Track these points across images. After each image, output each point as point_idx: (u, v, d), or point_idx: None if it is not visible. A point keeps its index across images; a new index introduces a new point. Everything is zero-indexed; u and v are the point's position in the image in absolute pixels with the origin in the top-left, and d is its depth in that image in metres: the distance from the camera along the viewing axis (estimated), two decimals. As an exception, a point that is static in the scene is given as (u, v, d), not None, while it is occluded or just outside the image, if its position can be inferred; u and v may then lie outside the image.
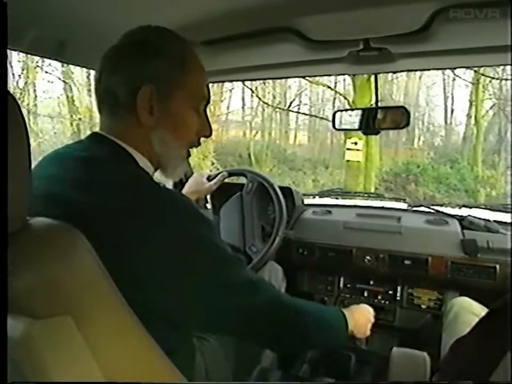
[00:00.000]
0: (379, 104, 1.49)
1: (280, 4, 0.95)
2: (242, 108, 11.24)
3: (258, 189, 1.64)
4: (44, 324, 0.51)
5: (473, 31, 1.01)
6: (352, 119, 1.46)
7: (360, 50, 1.16)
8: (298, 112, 10.95)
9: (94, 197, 0.70)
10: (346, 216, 1.86)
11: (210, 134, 0.90)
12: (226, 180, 1.67)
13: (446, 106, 10.27)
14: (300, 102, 10.89)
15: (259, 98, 9.87)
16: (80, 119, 8.51)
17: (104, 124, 0.83)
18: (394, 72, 1.61)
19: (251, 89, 9.51)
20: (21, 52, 1.04)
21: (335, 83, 9.31)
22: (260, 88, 9.70)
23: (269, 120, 11.00)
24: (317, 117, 10.61)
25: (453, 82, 9.99)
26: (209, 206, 1.86)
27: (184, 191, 1.58)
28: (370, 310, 1.25)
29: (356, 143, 6.53)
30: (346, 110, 1.53)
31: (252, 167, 9.55)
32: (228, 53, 1.23)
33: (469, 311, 1.34)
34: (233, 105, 11.26)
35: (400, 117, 1.39)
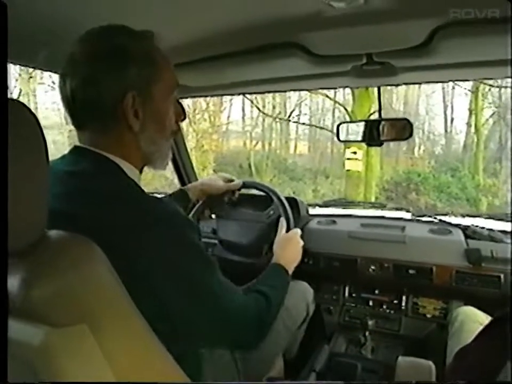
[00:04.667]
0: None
1: (286, 20, 0.98)
2: (243, 118, 11.27)
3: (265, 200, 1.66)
4: (62, 332, 0.53)
5: (473, 45, 1.04)
6: (356, 130, 1.48)
7: (363, 64, 1.20)
8: (298, 123, 10.97)
9: (84, 209, 0.73)
10: (351, 226, 1.87)
11: (185, 117, 0.94)
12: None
13: (445, 115, 10.28)
14: (300, 112, 10.90)
15: (258, 109, 9.91)
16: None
17: (85, 136, 0.83)
18: (396, 85, 1.64)
19: (251, 100, 9.54)
20: (33, 68, 1.07)
21: (335, 93, 9.33)
22: (259, 98, 9.73)
23: (269, 130, 11.01)
24: (317, 126, 10.62)
25: (452, 91, 10.00)
26: (213, 216, 1.87)
27: (192, 184, 1.54)
28: (295, 236, 1.37)
29: (355, 153, 6.54)
30: (350, 122, 1.57)
31: (252, 177, 9.56)
32: (234, 67, 1.26)
33: (473, 320, 1.35)
34: (233, 115, 11.30)
35: (403, 128, 1.41)
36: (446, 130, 10.26)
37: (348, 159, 6.79)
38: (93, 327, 0.55)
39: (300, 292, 1.54)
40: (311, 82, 1.44)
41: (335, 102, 9.27)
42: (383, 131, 1.44)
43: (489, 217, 1.84)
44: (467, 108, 9.11)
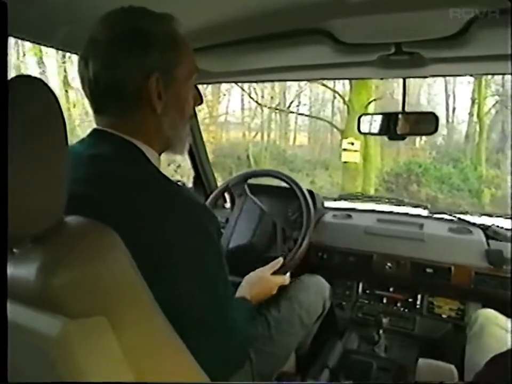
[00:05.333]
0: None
1: (313, 6, 0.93)
2: (242, 108, 11.16)
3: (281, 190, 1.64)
4: (80, 323, 0.51)
5: (509, 37, 0.98)
6: (377, 123, 1.43)
7: (390, 54, 1.14)
8: (297, 113, 10.86)
9: (107, 193, 0.72)
10: (367, 221, 1.84)
11: (202, 102, 0.95)
12: (250, 181, 1.70)
13: (447, 104, 10.13)
14: (299, 102, 10.80)
15: (256, 102, 9.83)
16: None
17: (105, 120, 0.82)
18: (423, 77, 1.61)
19: (248, 94, 9.45)
20: (51, 47, 1.09)
21: (334, 82, 9.20)
22: (258, 88, 9.64)
23: (268, 121, 10.92)
24: (315, 117, 10.51)
25: (454, 80, 9.86)
26: (228, 205, 1.84)
27: None
28: (274, 284, 1.30)
29: (352, 144, 6.48)
30: (372, 114, 1.50)
31: (250, 168, 9.50)
32: (257, 53, 1.22)
33: (494, 324, 1.32)
34: (232, 106, 11.15)
35: (426, 122, 1.36)
36: (447, 120, 10.15)
37: (345, 150, 6.72)
38: (112, 320, 0.54)
39: (317, 288, 1.53)
40: (335, 71, 1.41)
41: (334, 91, 9.14)
42: (404, 125, 1.39)
43: (507, 217, 1.80)
44: (469, 97, 9.07)
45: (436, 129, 1.34)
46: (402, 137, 1.41)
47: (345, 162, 7.38)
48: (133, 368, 0.55)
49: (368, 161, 7.40)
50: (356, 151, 6.63)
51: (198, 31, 1.03)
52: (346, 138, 6.70)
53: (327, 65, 1.31)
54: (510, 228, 1.65)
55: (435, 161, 9.03)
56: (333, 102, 10.52)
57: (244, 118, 11.12)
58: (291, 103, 10.53)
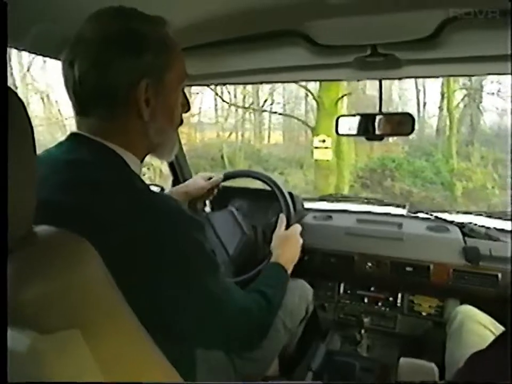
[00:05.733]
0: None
1: (288, 7, 0.92)
2: (215, 108, 11.06)
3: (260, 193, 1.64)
4: (52, 338, 0.48)
5: (483, 39, 1.00)
6: (354, 124, 1.43)
7: (367, 56, 1.14)
8: (271, 112, 10.83)
9: (85, 201, 0.69)
10: (347, 222, 1.85)
11: (189, 108, 0.92)
12: (228, 184, 1.65)
13: (418, 100, 10.32)
14: (273, 101, 10.79)
15: (227, 102, 9.77)
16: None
17: (86, 123, 0.78)
18: (399, 79, 1.63)
19: (221, 96, 9.42)
20: (21, 50, 0.99)
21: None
22: (231, 87, 9.55)
23: (242, 121, 10.86)
24: (287, 115, 10.50)
25: (424, 75, 10.07)
26: (208, 209, 1.82)
27: (175, 188, 1.49)
28: (295, 234, 1.33)
29: (324, 141, 6.43)
30: (349, 115, 1.50)
31: (225, 169, 9.41)
32: (233, 55, 1.20)
33: (474, 320, 1.34)
34: (205, 106, 11.04)
35: (403, 123, 1.36)
36: (419, 115, 10.35)
37: (316, 147, 6.65)
38: (86, 332, 0.51)
39: (300, 291, 1.52)
40: (312, 73, 1.40)
41: (305, 88, 9.09)
42: (381, 125, 1.39)
43: (486, 215, 1.84)
44: (439, 91, 9.24)
45: (412, 130, 1.35)
46: (380, 138, 1.41)
47: (316, 160, 7.31)
48: (108, 379, 0.52)
49: (341, 158, 7.35)
50: (327, 148, 6.58)
51: (172, 33, 1.01)
52: (317, 135, 6.64)
53: (303, 67, 1.30)
54: (485, 225, 1.68)
55: (408, 155, 9.14)
56: (306, 100, 10.55)
57: (217, 118, 11.03)
58: (265, 101, 10.52)
